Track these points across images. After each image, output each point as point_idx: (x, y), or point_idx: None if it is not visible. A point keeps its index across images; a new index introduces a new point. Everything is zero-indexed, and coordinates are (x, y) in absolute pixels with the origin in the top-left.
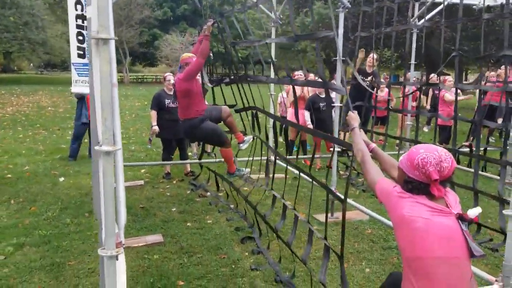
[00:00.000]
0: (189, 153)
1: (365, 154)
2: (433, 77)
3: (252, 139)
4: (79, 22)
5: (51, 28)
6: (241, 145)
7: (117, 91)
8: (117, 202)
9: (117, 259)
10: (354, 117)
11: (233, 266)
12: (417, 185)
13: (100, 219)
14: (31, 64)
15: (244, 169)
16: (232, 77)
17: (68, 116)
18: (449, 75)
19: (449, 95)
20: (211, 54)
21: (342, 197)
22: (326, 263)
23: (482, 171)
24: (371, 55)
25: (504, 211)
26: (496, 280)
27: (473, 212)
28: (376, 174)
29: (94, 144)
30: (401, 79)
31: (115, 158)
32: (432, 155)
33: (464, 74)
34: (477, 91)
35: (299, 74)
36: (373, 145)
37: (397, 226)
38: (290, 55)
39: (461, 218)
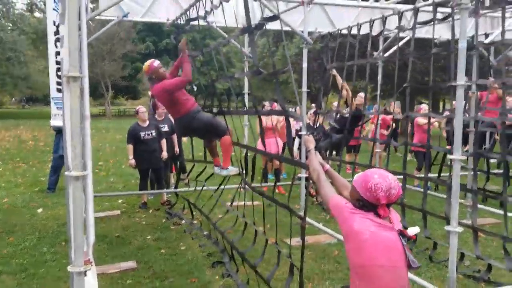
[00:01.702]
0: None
1: (320, 174)
2: (424, 106)
3: (235, 173)
4: (58, 58)
5: (34, 63)
6: (223, 170)
7: (90, 123)
8: (87, 222)
9: (85, 275)
10: (310, 140)
11: None
12: (366, 204)
13: (70, 238)
14: (13, 99)
15: (234, 168)
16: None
17: (48, 150)
18: (425, 103)
19: (421, 119)
20: (194, 86)
21: (313, 222)
22: (290, 280)
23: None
24: (361, 94)
25: (445, 227)
26: None
27: (412, 231)
28: (330, 191)
29: (66, 170)
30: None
31: (85, 182)
32: (384, 182)
33: (442, 103)
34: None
35: (266, 105)
36: (328, 166)
37: (347, 237)
38: (273, 86)
39: (401, 234)
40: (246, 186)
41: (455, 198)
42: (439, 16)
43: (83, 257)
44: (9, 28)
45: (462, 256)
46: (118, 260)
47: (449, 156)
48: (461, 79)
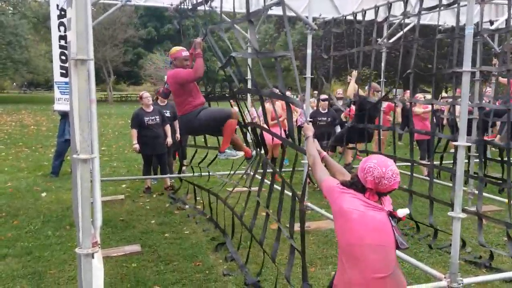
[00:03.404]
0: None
1: (316, 159)
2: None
3: (234, 157)
4: (62, 42)
5: (35, 47)
6: (221, 154)
7: (96, 107)
8: (94, 205)
9: (92, 257)
10: (309, 128)
11: (207, 272)
12: (357, 183)
13: (77, 221)
14: (14, 84)
15: (236, 153)
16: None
17: (51, 135)
18: (428, 92)
19: (417, 108)
20: None
21: (315, 207)
22: (292, 261)
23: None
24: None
25: (449, 213)
26: (444, 277)
27: (402, 212)
28: (323, 174)
29: (73, 153)
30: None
31: (92, 165)
32: (378, 169)
33: (444, 90)
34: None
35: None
36: (324, 153)
37: (337, 216)
38: (274, 73)
39: (391, 215)
40: (249, 172)
41: (459, 185)
42: (444, 2)
43: (91, 240)
44: (10, 12)
45: (463, 243)
46: (122, 244)
47: (454, 143)
48: (467, 66)
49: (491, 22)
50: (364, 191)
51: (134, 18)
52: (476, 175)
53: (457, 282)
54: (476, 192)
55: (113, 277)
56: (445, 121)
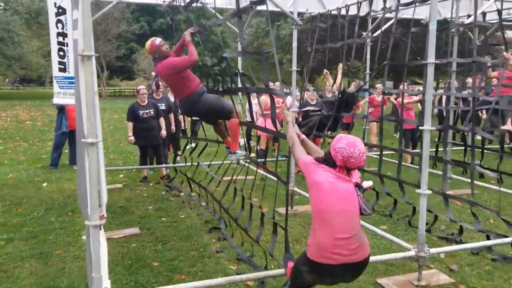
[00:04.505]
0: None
1: (295, 141)
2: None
3: (243, 157)
4: (60, 39)
5: (28, 43)
6: (232, 155)
7: (98, 98)
8: (100, 183)
9: (100, 229)
10: (289, 114)
11: (202, 249)
12: (329, 159)
13: (83, 199)
14: (7, 80)
15: (242, 151)
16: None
17: (47, 129)
18: (420, 84)
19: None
20: None
21: (302, 192)
22: (275, 238)
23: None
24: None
25: (417, 190)
26: (413, 247)
27: (366, 184)
28: (301, 152)
29: (80, 139)
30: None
31: (97, 148)
32: (347, 149)
33: (436, 83)
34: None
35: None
36: (303, 136)
37: (311, 187)
38: (266, 67)
39: (357, 185)
40: (241, 161)
41: (425, 165)
42: None
43: (98, 213)
44: (1, 7)
45: (435, 219)
46: (122, 227)
47: (420, 128)
48: (431, 58)
49: (469, 16)
50: (335, 167)
51: (126, 13)
52: (440, 158)
53: (424, 252)
54: (453, 176)
55: (115, 256)
56: (435, 111)
